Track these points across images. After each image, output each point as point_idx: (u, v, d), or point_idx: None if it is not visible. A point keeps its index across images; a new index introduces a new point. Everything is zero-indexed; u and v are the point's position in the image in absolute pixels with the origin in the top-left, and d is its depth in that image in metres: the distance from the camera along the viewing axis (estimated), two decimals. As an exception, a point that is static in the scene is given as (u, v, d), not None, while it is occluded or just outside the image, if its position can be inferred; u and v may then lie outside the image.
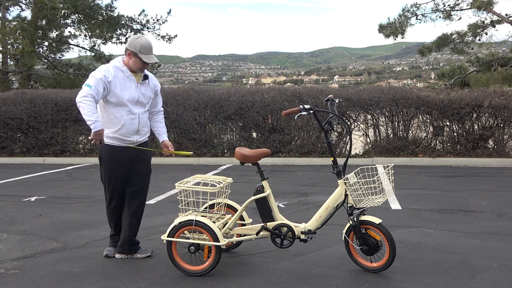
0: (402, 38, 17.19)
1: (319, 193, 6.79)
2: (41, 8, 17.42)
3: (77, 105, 3.69)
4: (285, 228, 3.70)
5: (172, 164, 10.11)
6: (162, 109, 4.34)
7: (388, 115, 10.04)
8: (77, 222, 5.36)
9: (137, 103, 3.95)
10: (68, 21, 19.87)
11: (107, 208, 4.10)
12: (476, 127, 9.75)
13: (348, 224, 3.65)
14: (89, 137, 3.76)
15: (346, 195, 3.60)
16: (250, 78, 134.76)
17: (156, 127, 4.26)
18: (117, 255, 4.10)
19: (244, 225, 4.01)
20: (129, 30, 20.32)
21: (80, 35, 20.27)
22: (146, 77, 4.01)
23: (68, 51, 20.58)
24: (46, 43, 20.12)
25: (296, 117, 3.60)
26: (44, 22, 18.70)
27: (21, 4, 19.48)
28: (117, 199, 4.02)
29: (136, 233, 4.13)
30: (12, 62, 18.76)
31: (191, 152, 4.29)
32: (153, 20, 20.55)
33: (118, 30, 20.11)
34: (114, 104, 3.85)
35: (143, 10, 19.97)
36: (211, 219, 3.80)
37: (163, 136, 4.22)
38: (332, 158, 3.67)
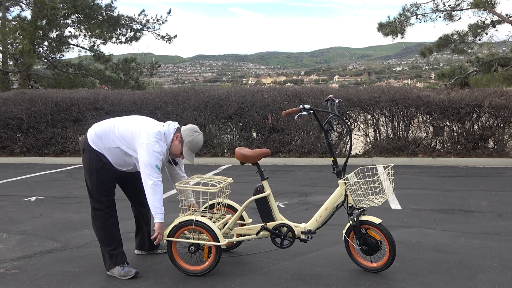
0: (402, 37, 17.18)
1: (319, 193, 6.79)
2: (41, 8, 17.43)
3: (148, 183, 3.51)
4: (285, 228, 3.70)
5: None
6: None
7: (388, 115, 10.04)
8: (77, 222, 5.36)
9: None
10: (68, 21, 19.88)
11: (105, 215, 3.77)
12: (476, 127, 9.75)
13: (348, 224, 3.65)
14: (152, 236, 3.58)
15: (346, 195, 3.60)
16: (250, 78, 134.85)
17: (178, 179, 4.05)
18: (137, 251, 4.23)
19: (244, 225, 4.01)
20: (129, 30, 20.34)
21: (80, 35, 20.29)
22: (176, 163, 3.91)
23: (68, 51, 20.61)
24: (46, 43, 20.13)
25: (296, 117, 3.60)
26: (44, 22, 18.70)
27: (21, 4, 19.50)
28: (114, 204, 3.84)
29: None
30: (11, 62, 18.78)
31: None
32: (153, 20, 20.56)
33: (118, 30, 20.11)
34: (136, 162, 3.68)
35: (143, 10, 19.98)
36: (211, 219, 3.80)
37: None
38: (332, 158, 3.67)
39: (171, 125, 3.75)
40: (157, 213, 3.54)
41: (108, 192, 3.79)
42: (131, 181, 3.97)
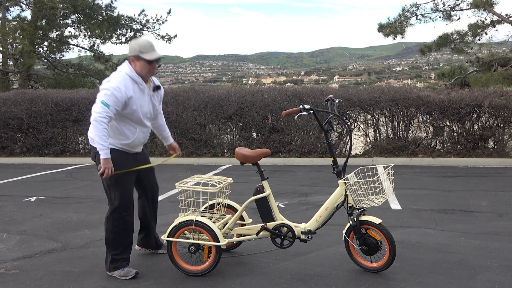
0: (402, 38, 17.20)
1: (319, 193, 6.79)
2: (41, 8, 17.42)
3: (91, 121, 3.45)
4: (285, 228, 3.70)
5: (172, 164, 10.11)
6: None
7: (388, 115, 10.04)
8: (77, 222, 5.36)
9: (150, 116, 3.80)
10: (68, 21, 19.89)
11: (120, 218, 3.68)
12: (476, 127, 9.75)
13: (348, 224, 3.65)
14: (99, 171, 3.46)
15: (346, 195, 3.60)
16: (250, 78, 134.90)
17: (162, 130, 4.10)
18: (137, 247, 4.20)
19: (244, 225, 4.01)
20: (129, 30, 20.34)
21: (80, 35, 20.29)
22: (158, 87, 3.83)
23: (68, 51, 20.61)
24: (46, 43, 20.13)
25: (296, 117, 3.60)
26: (44, 22, 18.71)
27: (21, 4, 19.50)
28: (131, 204, 3.76)
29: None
30: (11, 62, 18.79)
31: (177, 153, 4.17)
32: (153, 20, 20.56)
33: (118, 30, 20.12)
34: (129, 119, 3.64)
35: (143, 10, 19.98)
36: (211, 219, 3.80)
37: (169, 138, 4.15)
38: (332, 158, 3.67)
39: (125, 65, 3.69)
40: (100, 149, 3.44)
41: (122, 188, 3.67)
42: (146, 176, 3.93)
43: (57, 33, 20.05)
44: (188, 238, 3.71)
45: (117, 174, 3.58)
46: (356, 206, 3.60)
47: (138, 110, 3.62)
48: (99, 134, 3.42)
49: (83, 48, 20.47)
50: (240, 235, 3.84)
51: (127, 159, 3.71)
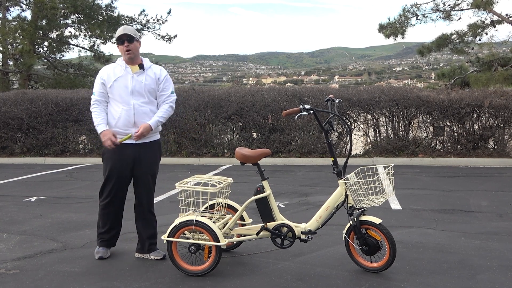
0: (402, 38, 17.21)
1: (319, 193, 6.79)
2: (41, 8, 17.43)
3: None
4: (285, 228, 3.70)
5: (172, 164, 10.12)
6: (172, 96, 4.02)
7: (388, 115, 10.04)
8: (77, 222, 5.36)
9: (133, 93, 3.90)
10: (68, 21, 19.90)
11: (100, 204, 4.07)
12: (476, 127, 9.75)
13: (348, 224, 3.65)
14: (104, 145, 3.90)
15: (346, 195, 3.60)
16: (250, 78, 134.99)
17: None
18: (136, 255, 4.16)
19: (245, 225, 4.01)
20: (129, 30, 20.34)
21: (80, 35, 20.30)
22: (141, 66, 3.99)
23: (68, 51, 20.62)
24: (46, 43, 20.14)
25: (296, 117, 3.60)
26: (44, 22, 18.72)
27: (21, 4, 19.51)
28: (113, 195, 4.00)
29: (154, 233, 4.15)
30: (12, 62, 18.80)
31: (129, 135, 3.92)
32: (153, 20, 20.59)
33: (118, 30, 20.14)
34: (112, 98, 3.97)
35: (143, 10, 20.02)
36: (211, 219, 3.80)
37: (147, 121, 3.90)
38: (332, 158, 3.67)
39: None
40: (96, 128, 3.91)
41: (108, 182, 4.00)
42: (140, 181, 4.04)
43: (57, 33, 20.06)
44: (188, 238, 3.71)
45: (104, 164, 4.00)
46: (356, 206, 3.60)
47: (114, 85, 3.93)
48: (93, 119, 3.95)
49: (83, 48, 20.49)
50: (240, 235, 3.84)
51: (122, 150, 3.92)
